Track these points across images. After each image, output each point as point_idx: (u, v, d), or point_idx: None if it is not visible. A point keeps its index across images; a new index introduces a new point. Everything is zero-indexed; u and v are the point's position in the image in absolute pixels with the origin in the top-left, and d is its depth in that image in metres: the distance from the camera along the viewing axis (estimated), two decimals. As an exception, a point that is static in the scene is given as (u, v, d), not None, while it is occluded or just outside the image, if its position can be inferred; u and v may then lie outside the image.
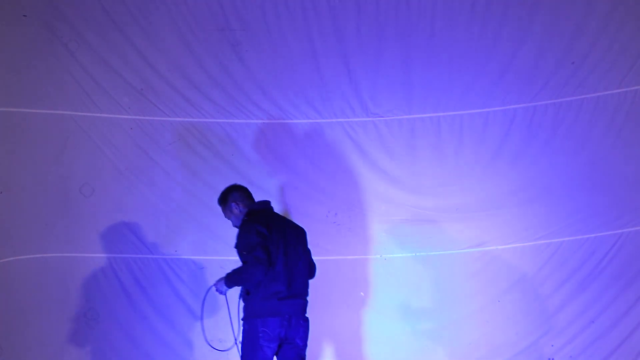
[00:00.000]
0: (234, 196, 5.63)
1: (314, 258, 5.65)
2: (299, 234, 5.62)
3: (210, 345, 5.74)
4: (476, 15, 6.31)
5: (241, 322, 5.46)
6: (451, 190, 6.47)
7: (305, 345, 5.48)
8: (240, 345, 5.43)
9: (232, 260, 5.58)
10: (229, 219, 5.65)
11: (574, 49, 6.28)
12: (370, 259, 6.50)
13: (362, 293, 6.50)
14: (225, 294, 5.53)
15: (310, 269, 5.64)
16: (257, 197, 5.70)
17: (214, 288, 5.55)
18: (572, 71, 6.31)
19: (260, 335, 5.32)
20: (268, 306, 5.34)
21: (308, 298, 5.51)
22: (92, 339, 6.33)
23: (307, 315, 5.49)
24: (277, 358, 5.42)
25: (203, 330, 5.78)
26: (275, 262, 5.36)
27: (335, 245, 6.47)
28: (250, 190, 5.66)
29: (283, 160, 6.49)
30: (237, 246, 5.44)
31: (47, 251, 6.27)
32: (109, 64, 6.34)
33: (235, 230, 5.50)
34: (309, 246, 5.65)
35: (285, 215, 6.10)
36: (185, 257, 6.42)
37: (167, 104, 6.42)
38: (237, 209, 5.60)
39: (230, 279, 5.41)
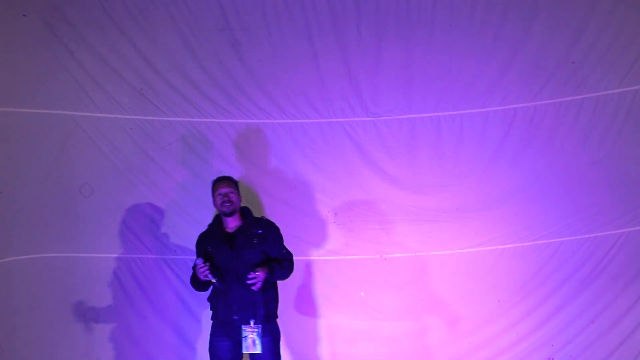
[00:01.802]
0: None
1: (314, 258, 5.66)
2: None
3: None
4: (476, 15, 6.32)
5: (264, 320, 5.43)
6: (451, 190, 6.47)
7: None
8: (261, 343, 5.38)
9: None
10: (233, 195, 5.62)
11: (574, 48, 6.29)
12: (370, 259, 6.50)
13: (362, 293, 6.50)
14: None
15: None
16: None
17: (260, 272, 5.32)
18: (572, 71, 6.31)
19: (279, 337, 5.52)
20: None
21: None
22: (92, 339, 6.33)
23: None
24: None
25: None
26: None
27: (335, 245, 6.47)
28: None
29: (283, 160, 6.49)
30: (281, 241, 5.57)
31: (47, 251, 6.27)
32: (109, 64, 6.34)
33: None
34: None
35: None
36: (185, 257, 6.41)
37: (167, 104, 6.42)
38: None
39: (275, 273, 5.44)
